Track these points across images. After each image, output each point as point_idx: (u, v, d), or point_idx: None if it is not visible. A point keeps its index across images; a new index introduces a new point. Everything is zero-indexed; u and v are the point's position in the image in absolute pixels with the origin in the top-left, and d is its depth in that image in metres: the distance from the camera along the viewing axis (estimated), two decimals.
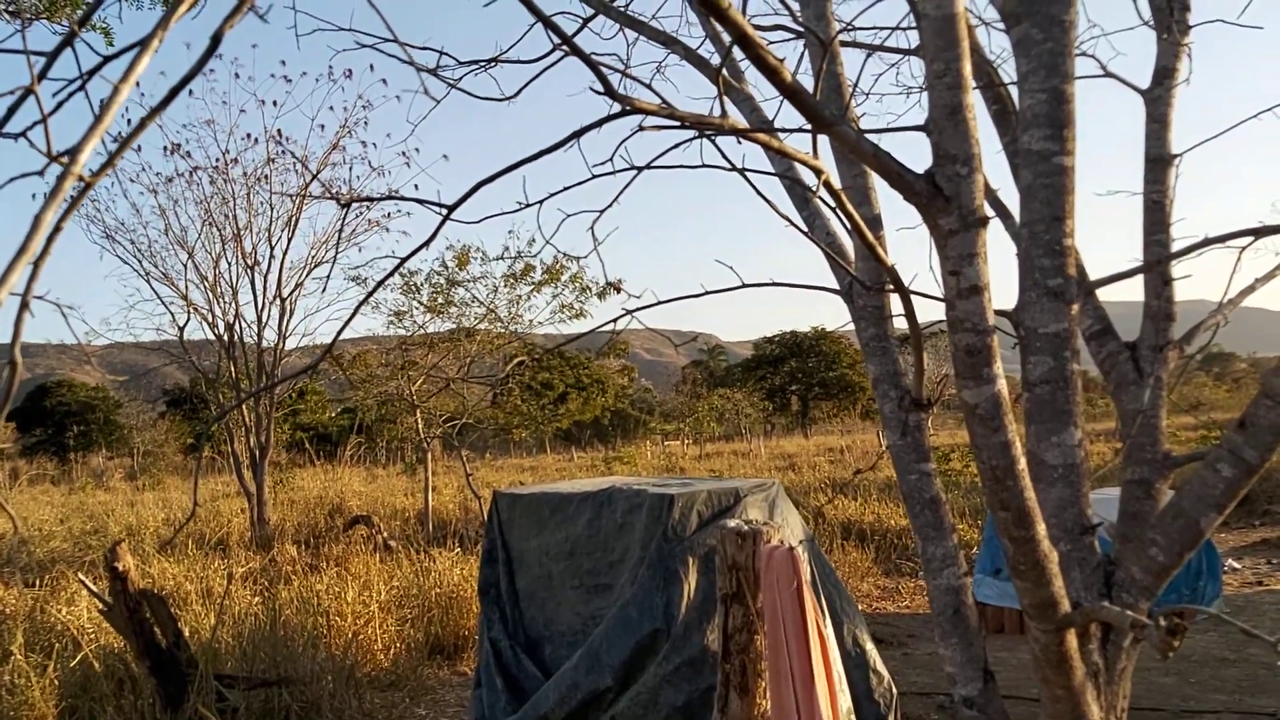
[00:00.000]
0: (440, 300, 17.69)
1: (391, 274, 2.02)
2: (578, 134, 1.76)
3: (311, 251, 17.28)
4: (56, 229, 1.03)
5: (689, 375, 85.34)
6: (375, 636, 8.23)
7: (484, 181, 1.84)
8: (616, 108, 1.73)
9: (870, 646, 5.58)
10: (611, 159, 1.98)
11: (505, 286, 17.34)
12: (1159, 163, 3.00)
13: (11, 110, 1.65)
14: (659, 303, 2.52)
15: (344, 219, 16.38)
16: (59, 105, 1.67)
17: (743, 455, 38.50)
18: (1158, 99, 3.07)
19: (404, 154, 17.87)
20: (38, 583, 10.97)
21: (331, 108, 24.88)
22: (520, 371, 20.48)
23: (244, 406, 16.64)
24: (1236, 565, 11.72)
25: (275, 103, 16.65)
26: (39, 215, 1.18)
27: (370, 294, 2.11)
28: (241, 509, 17.88)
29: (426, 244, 1.91)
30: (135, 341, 18.37)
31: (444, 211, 1.88)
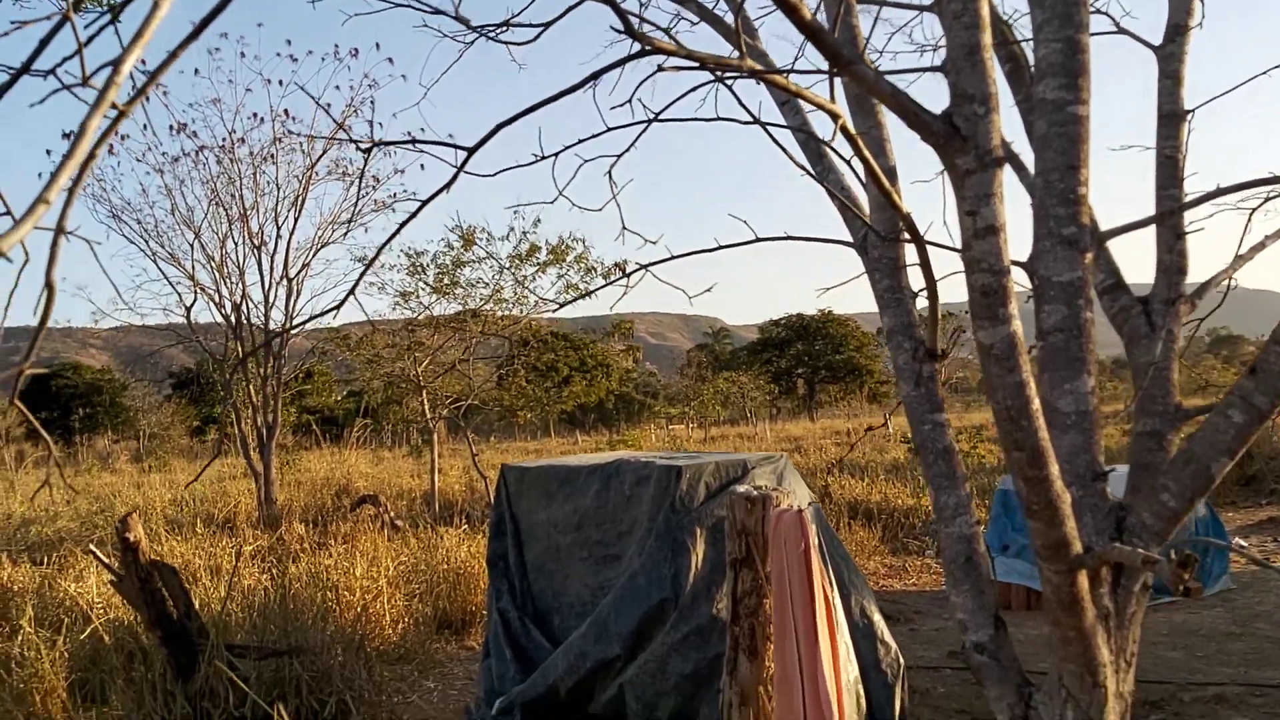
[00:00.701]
0: (446, 281, 17.70)
1: (415, 215, 2.01)
2: (597, 75, 1.76)
3: (318, 232, 17.30)
4: (103, 136, 1.03)
5: (694, 358, 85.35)
6: (384, 611, 8.27)
7: (504, 123, 1.84)
8: (636, 50, 1.72)
9: (878, 618, 5.59)
10: (630, 100, 1.98)
11: (511, 267, 17.35)
12: (1172, 118, 3.00)
13: (44, 42, 1.65)
14: (672, 257, 2.53)
15: (358, 199, 16.41)
16: (91, 38, 1.67)
17: (748, 439, 38.55)
18: (1170, 55, 3.06)
19: (410, 135, 17.84)
20: (45, 560, 11.03)
21: (338, 87, 24.84)
22: (525, 352, 20.50)
23: (251, 388, 16.68)
24: (1244, 543, 11.73)
25: (281, 82, 16.64)
26: (84, 122, 1.19)
27: (393, 236, 2.11)
28: (249, 489, 17.93)
29: (447, 186, 1.91)
30: (142, 324, 18.38)
31: (464, 154, 1.88)
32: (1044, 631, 2.56)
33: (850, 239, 2.65)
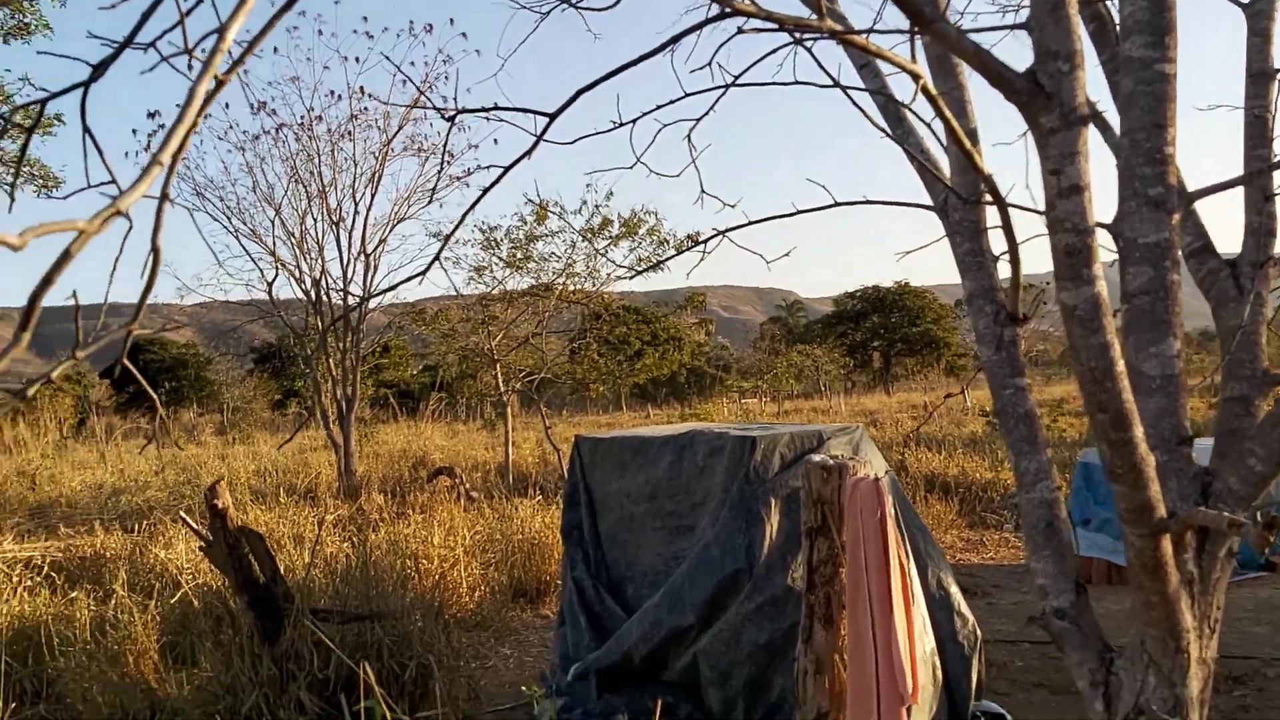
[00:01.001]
0: (519, 255, 17.84)
1: (498, 180, 2.04)
2: (676, 38, 1.76)
3: (394, 207, 17.51)
4: (207, 101, 1.07)
5: (767, 331, 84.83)
6: (461, 579, 8.42)
7: (585, 88, 1.85)
8: (715, 12, 1.72)
9: (955, 589, 5.55)
10: (710, 64, 1.98)
11: (583, 241, 17.42)
12: (1261, 77, 2.90)
13: (145, 15, 1.70)
14: (750, 223, 2.52)
15: (441, 168, 16.53)
16: (190, 9, 1.72)
17: (822, 412, 38.34)
18: (1259, 12, 2.96)
19: (485, 112, 17.93)
20: (135, 528, 11.40)
21: (413, 63, 25.02)
22: (597, 325, 20.59)
23: (330, 361, 17.00)
24: None
25: (358, 59, 16.84)
26: (193, 87, 1.22)
27: (476, 201, 2.14)
28: (329, 461, 18.33)
29: (529, 152, 1.93)
30: (225, 299, 18.80)
31: (545, 121, 1.90)
32: (1126, 606, 2.52)
33: (930, 202, 2.61)
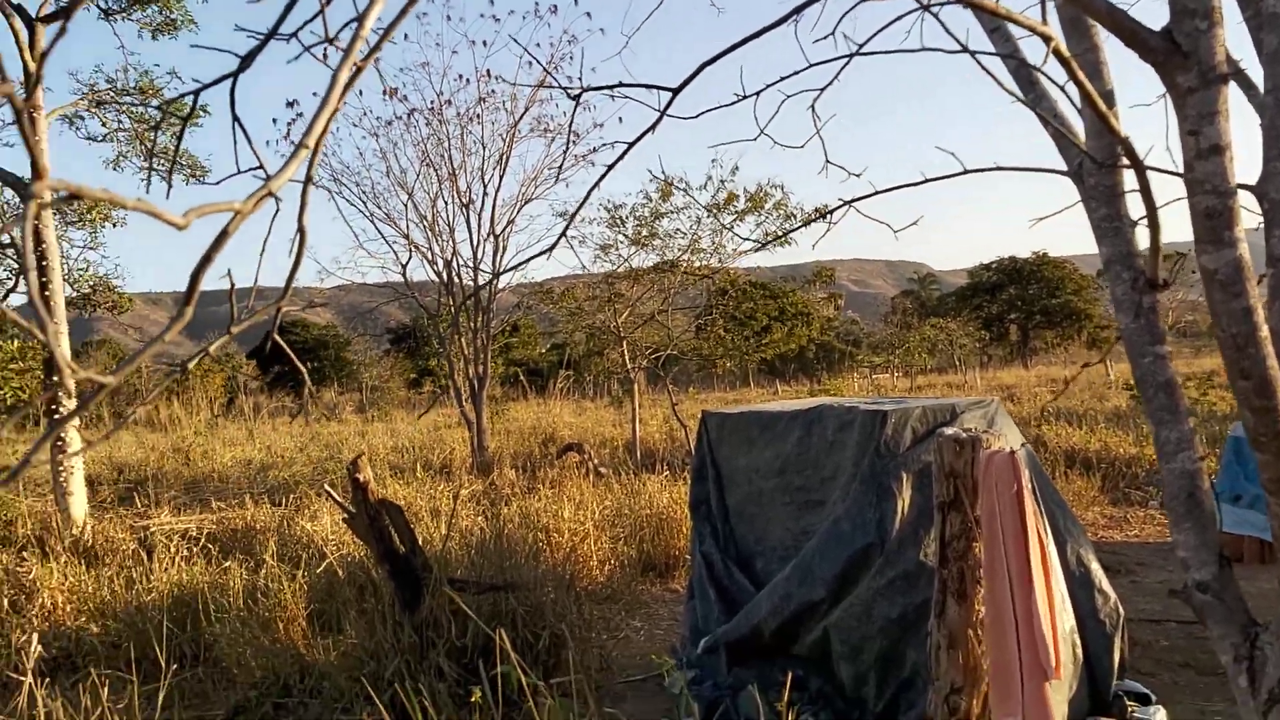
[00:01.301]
0: (644, 233, 17.92)
1: (622, 156, 2.07)
2: (799, 8, 1.76)
3: (522, 189, 17.80)
4: (347, 85, 1.13)
5: (899, 305, 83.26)
6: (591, 553, 8.56)
7: (707, 62, 1.87)
8: None
9: (1096, 566, 5.39)
10: (833, 33, 1.97)
11: (708, 216, 17.39)
12: None
13: (289, 6, 1.78)
14: (876, 192, 2.49)
15: (567, 147, 16.76)
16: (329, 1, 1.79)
17: (957, 387, 37.51)
18: None
19: (609, 89, 18.05)
20: (283, 502, 11.93)
21: (539, 44, 25.28)
22: (723, 301, 20.55)
23: (462, 341, 17.41)
24: None
25: (485, 43, 17.11)
26: (335, 74, 1.29)
27: (602, 177, 2.18)
28: (463, 437, 18.82)
29: (653, 127, 1.95)
30: (362, 282, 19.41)
31: (669, 95, 1.92)
32: (1277, 585, 2.42)
33: (1065, 167, 2.54)
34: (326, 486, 6.20)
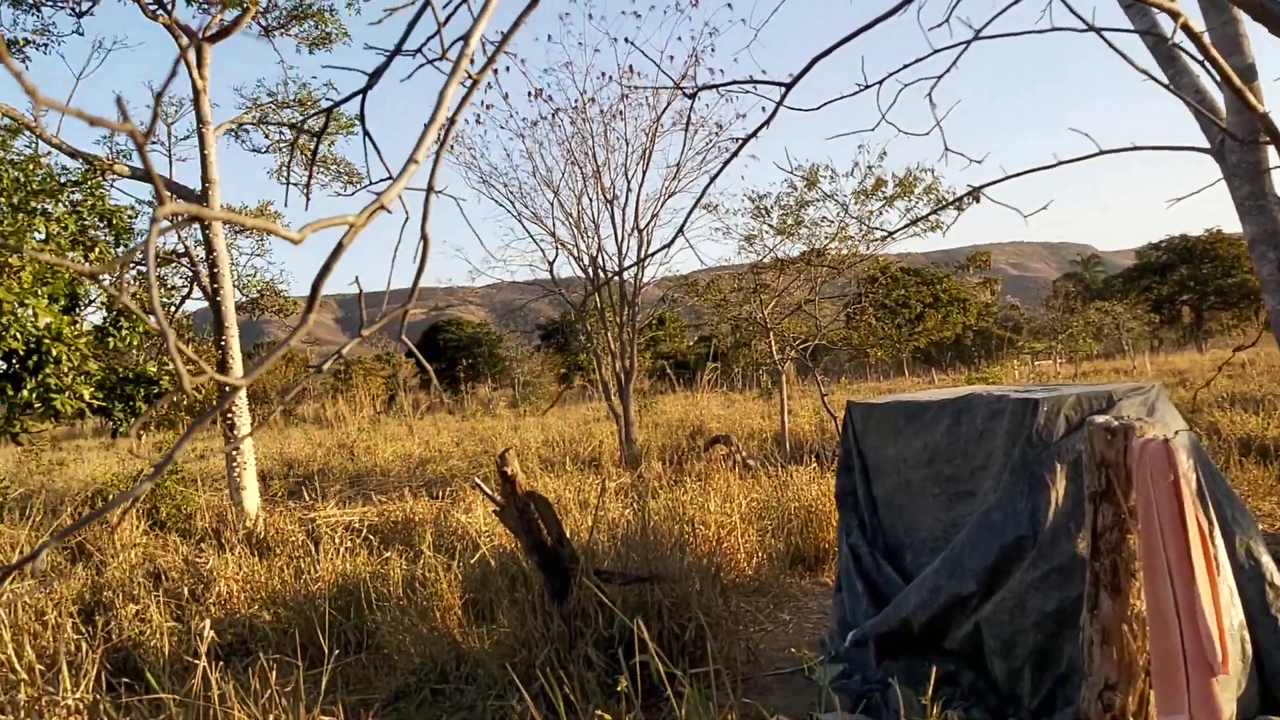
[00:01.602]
0: (790, 222, 17.78)
1: (735, 154, 2.07)
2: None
3: (665, 183, 17.88)
4: (463, 100, 1.17)
5: (1061, 289, 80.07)
6: (738, 545, 8.55)
7: (819, 56, 1.85)
8: None
9: (1267, 560, 5.09)
10: (947, 19, 1.92)
11: (855, 203, 17.13)
12: None
13: (411, 25, 1.85)
14: (1007, 177, 2.42)
15: (709, 142, 16.78)
16: (448, 18, 1.86)
17: (1124, 373, 35.93)
18: None
19: (749, 78, 17.95)
20: (440, 495, 12.34)
21: (679, 38, 25.31)
22: (873, 289, 20.19)
23: (609, 335, 17.63)
24: None
25: (627, 39, 17.25)
26: (442, 90, 1.34)
27: (716, 175, 2.18)
28: (611, 431, 19.05)
29: (766, 123, 1.95)
30: (511, 280, 19.85)
31: (782, 90, 1.91)
32: None
33: (1207, 145, 2.41)
34: (477, 480, 6.38)
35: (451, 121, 1.44)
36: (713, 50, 16.34)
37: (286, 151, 13.67)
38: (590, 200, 17.51)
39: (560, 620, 5.90)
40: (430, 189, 1.44)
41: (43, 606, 6.89)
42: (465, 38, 1.25)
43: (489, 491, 6.39)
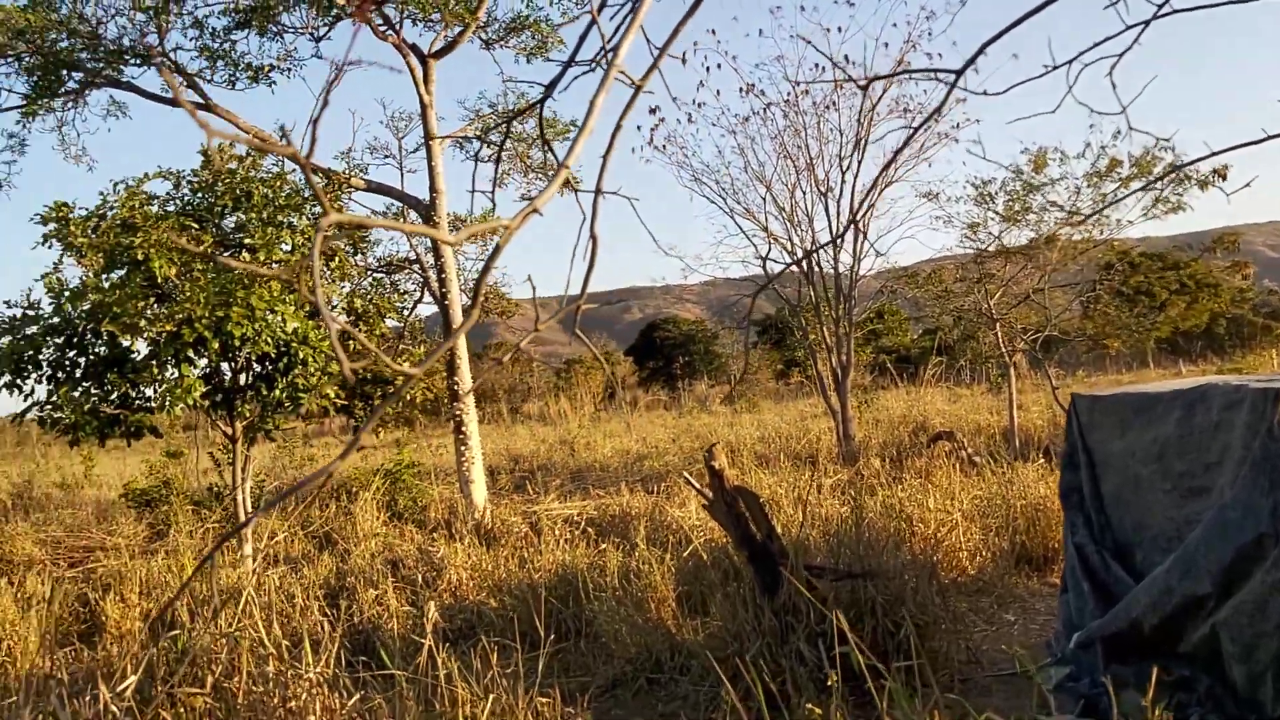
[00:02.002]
0: (1016, 208, 17.08)
1: (906, 143, 2.03)
2: None
3: (881, 172, 17.49)
4: (627, 107, 1.22)
5: None
6: (959, 543, 8.30)
7: (989, 41, 1.79)
8: None
9: None
10: None
11: (1088, 186, 16.26)
12: None
13: (581, 39, 1.91)
14: (1212, 154, 2.25)
15: (922, 129, 16.33)
16: (616, 30, 1.91)
17: None
18: None
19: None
20: (655, 490, 12.55)
21: (895, 24, 24.70)
22: (1109, 276, 19.11)
23: (824, 329, 17.43)
24: None
25: (840, 29, 17.01)
26: (592, 99, 1.39)
27: (886, 166, 2.14)
28: (828, 427, 18.82)
29: (936, 112, 1.90)
30: (725, 277, 19.91)
31: (952, 78, 1.85)
32: None
33: None
34: (685, 474, 6.46)
35: (618, 128, 1.48)
36: (930, 35, 15.83)
37: (507, 159, 14.26)
38: (804, 193, 17.37)
39: (771, 614, 5.90)
40: (598, 190, 1.49)
41: (293, 590, 7.46)
42: (615, 48, 1.29)
43: (698, 486, 6.47)
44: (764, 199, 17.55)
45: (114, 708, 3.83)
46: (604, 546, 8.53)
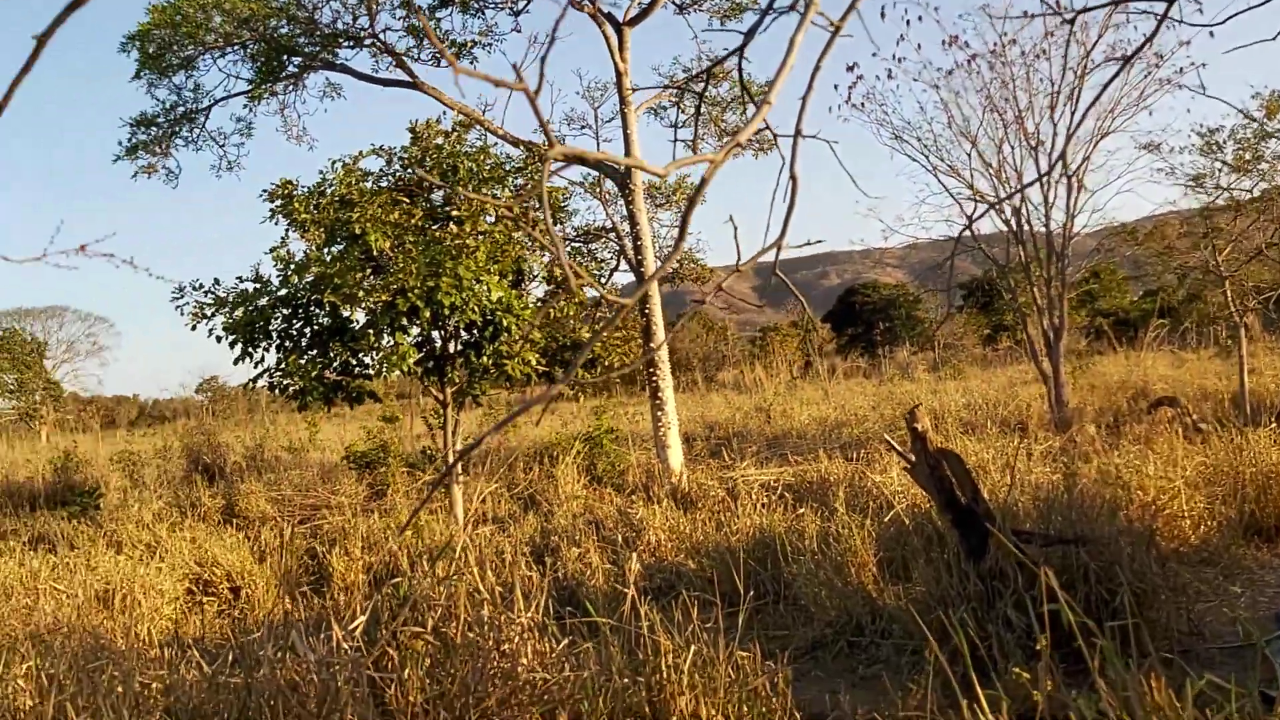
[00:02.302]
0: (1247, 157, 15.90)
1: (1117, 74, 1.92)
2: None
3: (1097, 122, 16.51)
4: (825, 48, 1.22)
5: None
6: (1182, 512, 7.84)
7: None
8: None
9: None
10: None
11: None
12: None
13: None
14: None
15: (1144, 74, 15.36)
16: None
17: None
18: None
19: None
20: (854, 457, 12.39)
21: None
22: None
23: (1035, 290, 16.70)
24: None
25: None
26: (792, 38, 1.39)
27: (1106, 86, 2.03)
28: (1039, 394, 18.08)
29: (1147, 42, 1.79)
30: (928, 238, 19.31)
31: (1162, 8, 1.73)
32: None
33: None
34: (886, 436, 6.36)
35: (816, 69, 1.48)
36: None
37: (702, 124, 14.26)
38: (1012, 148, 16.62)
39: (977, 579, 5.75)
40: (798, 132, 1.50)
41: (501, 546, 7.79)
42: None
43: (900, 449, 6.35)
44: (969, 155, 16.92)
45: (345, 645, 4.12)
46: (802, 511, 8.50)
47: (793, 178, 1.44)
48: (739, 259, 1.59)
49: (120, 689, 4.22)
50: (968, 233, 17.33)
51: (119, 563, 8.56)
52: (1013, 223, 16.75)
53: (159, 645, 6.59)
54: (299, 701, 3.89)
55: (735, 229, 1.60)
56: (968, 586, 5.80)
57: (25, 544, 11.15)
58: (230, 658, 4.60)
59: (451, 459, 10.88)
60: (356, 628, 4.34)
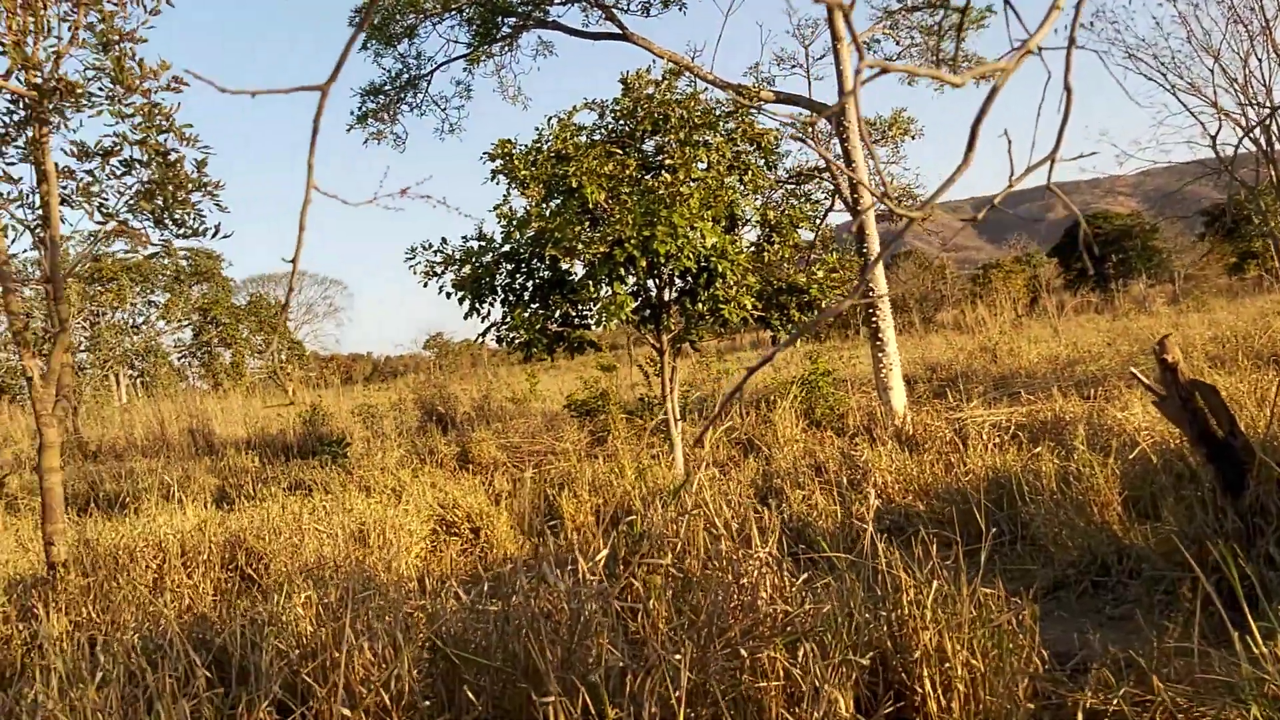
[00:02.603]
0: None
1: None
2: None
3: None
4: None
5: None
6: None
7: None
8: None
9: None
10: None
11: None
12: None
13: None
14: None
15: None
16: None
17: None
18: None
19: None
20: (1091, 395, 11.82)
21: None
22: None
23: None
24: None
25: None
26: None
27: None
28: None
29: None
30: (1166, 163, 18.09)
31: None
32: None
33: None
34: (1132, 368, 6.04)
35: None
36: None
37: (918, 55, 13.78)
38: (1260, 60, 15.31)
39: (1235, 516, 5.43)
40: (1071, 42, 1.47)
41: (725, 488, 7.89)
42: None
43: (1147, 381, 6.04)
44: (1211, 71, 15.69)
45: (590, 576, 4.31)
46: (1038, 450, 8.20)
47: (1067, 89, 1.42)
48: (1011, 173, 1.58)
49: (389, 616, 4.58)
50: (1211, 153, 16.14)
51: (370, 505, 9.20)
52: (1262, 141, 15.46)
53: (415, 579, 7.07)
54: (551, 628, 4.11)
55: (1009, 142, 1.57)
56: (1225, 524, 5.49)
57: (285, 489, 12.09)
58: (484, 589, 4.90)
59: (670, 405, 11.06)
60: (601, 559, 4.53)
